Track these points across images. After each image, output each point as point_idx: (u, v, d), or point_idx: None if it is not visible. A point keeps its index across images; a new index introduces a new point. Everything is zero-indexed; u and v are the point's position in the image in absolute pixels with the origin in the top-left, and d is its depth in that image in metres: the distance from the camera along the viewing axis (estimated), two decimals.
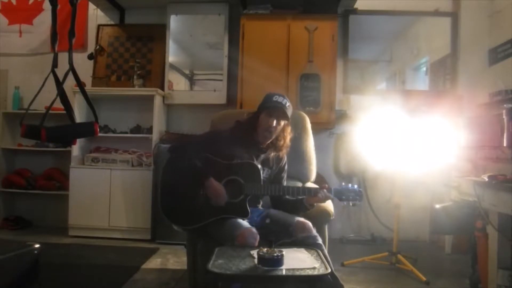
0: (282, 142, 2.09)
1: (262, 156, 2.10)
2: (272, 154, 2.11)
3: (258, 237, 1.78)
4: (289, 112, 2.04)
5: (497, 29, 3.52)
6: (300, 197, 2.00)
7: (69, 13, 1.55)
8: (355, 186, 1.99)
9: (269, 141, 2.08)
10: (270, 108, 2.01)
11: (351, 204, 1.98)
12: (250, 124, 2.08)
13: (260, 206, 2.12)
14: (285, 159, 2.19)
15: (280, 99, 2.03)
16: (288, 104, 2.04)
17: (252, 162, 2.01)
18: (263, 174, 2.04)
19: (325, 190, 1.94)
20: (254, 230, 1.81)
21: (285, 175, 2.20)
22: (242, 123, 2.14)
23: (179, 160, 2.02)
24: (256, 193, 1.99)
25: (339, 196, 1.97)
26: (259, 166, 2.04)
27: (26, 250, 1.68)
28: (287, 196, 2.04)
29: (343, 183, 2.00)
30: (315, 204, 1.99)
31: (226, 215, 1.93)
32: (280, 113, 2.01)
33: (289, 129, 2.10)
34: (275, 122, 2.00)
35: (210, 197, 1.93)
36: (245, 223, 1.90)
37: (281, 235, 1.85)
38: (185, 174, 1.99)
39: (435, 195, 3.31)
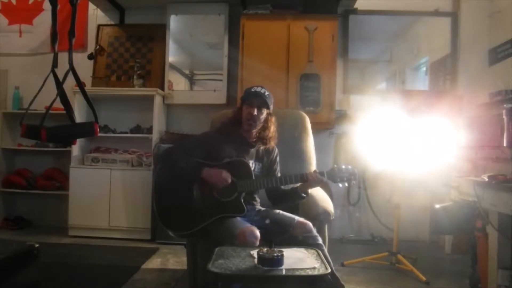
0: (267, 133, 2.12)
1: (252, 151, 2.12)
2: (262, 147, 2.15)
3: (259, 235, 1.78)
4: (269, 101, 2.09)
5: (497, 29, 3.51)
6: (294, 186, 2.02)
7: (69, 13, 1.55)
8: (349, 167, 1.99)
9: (254, 131, 2.10)
10: (250, 98, 2.07)
11: (346, 185, 1.98)
12: (235, 120, 2.13)
13: (257, 204, 2.13)
14: (276, 151, 2.21)
15: (258, 89, 2.08)
16: (267, 93, 2.09)
17: (241, 159, 2.04)
18: (255, 169, 2.07)
19: (317, 174, 1.95)
20: (254, 228, 1.81)
21: (278, 168, 2.21)
22: (227, 122, 2.18)
23: (170, 167, 2.05)
24: (249, 188, 2.00)
25: (333, 178, 1.98)
26: (250, 162, 2.06)
27: (26, 250, 1.68)
28: (282, 187, 2.06)
29: (335, 165, 2.00)
30: (309, 190, 2.02)
31: (223, 215, 1.93)
32: (260, 101, 2.06)
33: (273, 119, 2.14)
34: (255, 110, 2.05)
35: (214, 182, 1.94)
36: (244, 221, 1.91)
37: (281, 235, 1.85)
38: (177, 178, 2.01)
39: (435, 195, 3.31)
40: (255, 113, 2.05)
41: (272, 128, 2.13)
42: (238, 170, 1.99)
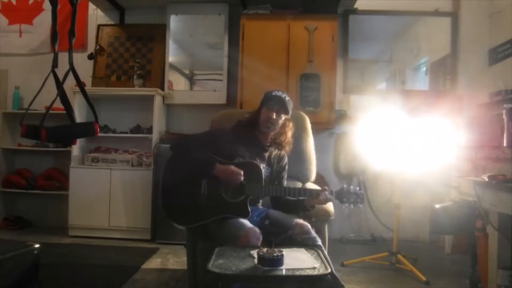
0: (283, 138, 2.11)
1: (264, 154, 2.11)
2: (274, 152, 2.14)
3: (261, 237, 1.78)
4: (289, 106, 2.08)
5: (497, 29, 3.51)
6: (301, 198, 2.00)
7: (69, 13, 1.55)
8: (357, 188, 1.98)
9: (270, 136, 2.10)
10: (270, 101, 2.06)
11: (352, 207, 1.98)
12: (252, 121, 2.12)
13: (259, 205, 2.13)
14: (286, 159, 2.20)
15: (279, 93, 2.08)
16: (287, 98, 2.08)
17: (254, 162, 2.02)
18: (264, 173, 2.05)
19: (326, 193, 1.93)
20: (257, 230, 1.81)
21: (285, 175, 2.21)
22: (243, 122, 2.17)
23: (181, 158, 2.04)
24: (257, 193, 1.99)
25: (340, 198, 1.97)
26: (261, 165, 2.05)
27: (26, 250, 1.68)
28: (287, 197, 2.04)
29: (345, 185, 2.00)
30: (315, 205, 2.00)
31: (227, 215, 1.93)
32: (280, 106, 2.05)
33: (290, 125, 2.14)
34: (275, 114, 2.04)
35: (225, 179, 1.93)
36: (247, 222, 1.90)
37: (280, 236, 1.85)
38: (187, 171, 2.00)
39: (435, 195, 3.31)
40: (274, 117, 2.04)
41: (289, 134, 2.13)
42: (249, 173, 1.97)
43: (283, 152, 2.17)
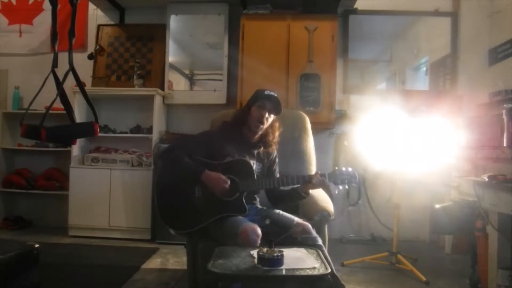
0: (271, 138, 2.13)
1: (253, 151, 2.13)
2: (262, 149, 2.15)
3: (260, 234, 1.78)
4: (280, 106, 2.09)
5: (497, 29, 3.51)
6: (295, 186, 2.01)
7: (69, 13, 1.55)
8: (349, 169, 1.99)
9: (258, 135, 2.11)
10: (263, 100, 2.07)
11: (347, 187, 1.98)
12: (240, 119, 2.13)
13: (257, 204, 2.13)
14: (275, 152, 2.22)
15: (272, 93, 2.09)
16: (278, 99, 2.09)
17: (243, 159, 2.04)
18: (255, 170, 2.07)
19: (318, 176, 1.95)
20: (256, 226, 1.81)
21: (277, 168, 2.22)
22: (229, 122, 2.18)
23: (172, 165, 2.04)
24: (251, 189, 2.00)
25: (334, 180, 1.98)
26: (251, 161, 2.06)
27: (26, 250, 1.68)
28: (281, 188, 2.05)
29: (337, 167, 2.00)
30: (310, 191, 2.01)
31: (225, 214, 1.93)
32: (272, 106, 2.07)
33: (277, 125, 2.16)
34: (267, 113, 2.05)
35: (213, 188, 1.93)
36: (245, 220, 1.91)
37: (281, 236, 1.85)
38: (179, 177, 2.01)
39: (435, 195, 3.31)
40: (266, 115, 2.05)
41: (276, 134, 2.14)
42: (240, 170, 1.98)
43: (273, 148, 2.18)
